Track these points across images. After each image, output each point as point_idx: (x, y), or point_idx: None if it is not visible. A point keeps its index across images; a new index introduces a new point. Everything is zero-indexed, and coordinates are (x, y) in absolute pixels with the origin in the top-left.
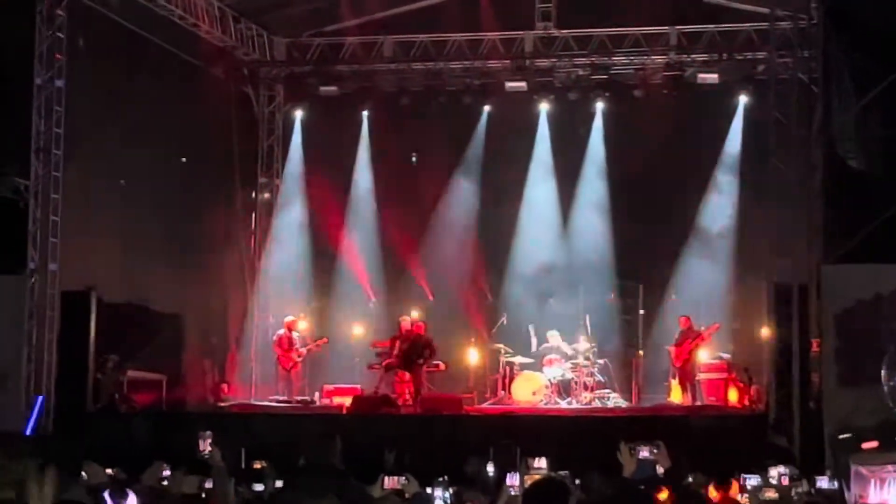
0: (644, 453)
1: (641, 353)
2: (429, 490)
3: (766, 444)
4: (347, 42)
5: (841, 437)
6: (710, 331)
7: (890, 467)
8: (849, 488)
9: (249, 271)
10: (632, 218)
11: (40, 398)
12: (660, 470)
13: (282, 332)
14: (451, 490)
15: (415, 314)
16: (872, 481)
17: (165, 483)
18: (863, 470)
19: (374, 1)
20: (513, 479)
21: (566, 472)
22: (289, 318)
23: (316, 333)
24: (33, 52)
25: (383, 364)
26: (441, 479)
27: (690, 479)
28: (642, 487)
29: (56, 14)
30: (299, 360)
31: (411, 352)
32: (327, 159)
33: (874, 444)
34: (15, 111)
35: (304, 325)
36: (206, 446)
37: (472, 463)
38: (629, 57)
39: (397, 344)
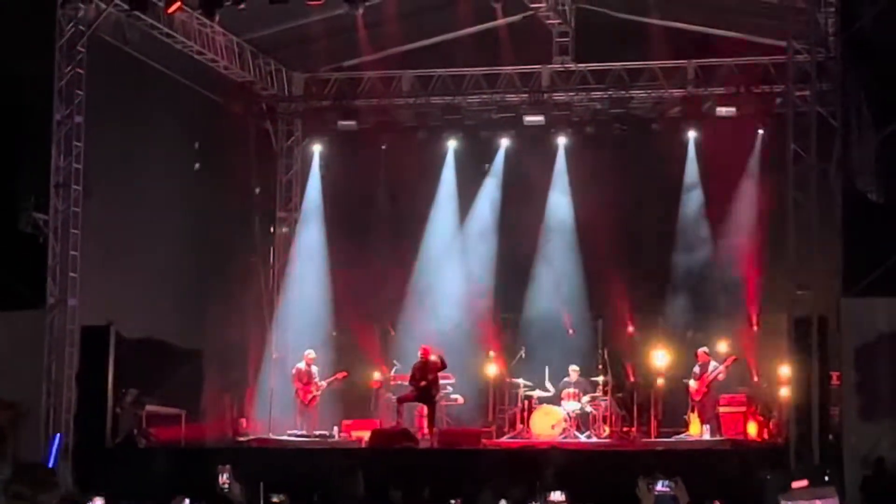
0: (661, 487)
1: (660, 386)
2: None
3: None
4: (365, 77)
5: (769, 476)
6: (727, 364)
7: (818, 502)
8: None
9: (268, 306)
10: (651, 250)
11: (58, 436)
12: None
13: (301, 365)
14: None
15: (423, 346)
16: None
17: None
18: None
19: (392, 36)
20: None
21: None
22: (308, 353)
23: (335, 367)
24: (53, 87)
25: (398, 398)
26: None
27: None
28: None
29: (76, 50)
30: (318, 393)
31: (425, 383)
32: (346, 193)
33: (804, 482)
34: (34, 146)
35: (315, 367)
36: (224, 480)
37: (485, 496)
38: (647, 91)
39: (416, 379)
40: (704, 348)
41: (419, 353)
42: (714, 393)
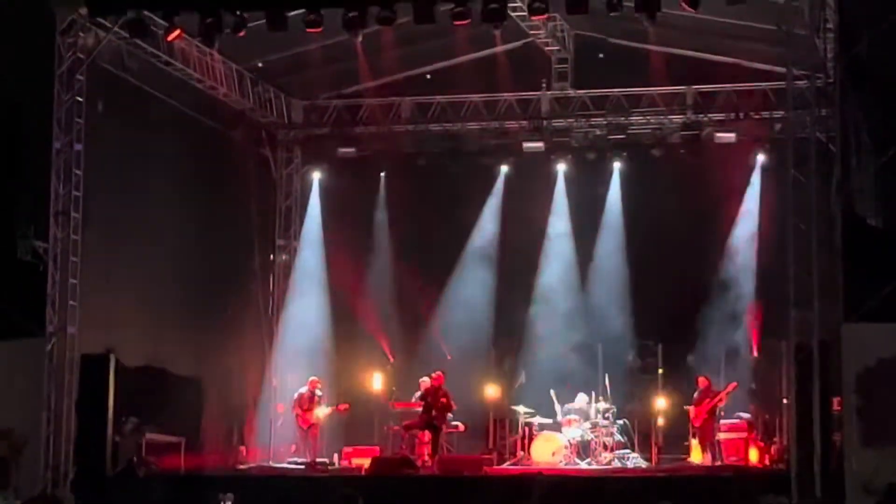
0: None
1: (661, 412)
2: None
3: None
4: (365, 104)
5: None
6: (728, 390)
7: None
8: None
9: (268, 333)
10: (650, 277)
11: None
12: None
13: (304, 390)
14: None
15: (437, 372)
16: None
17: None
18: None
19: (392, 63)
20: None
21: None
22: (313, 378)
23: (335, 394)
24: (52, 115)
25: (403, 425)
26: None
27: None
28: None
29: (75, 78)
30: (317, 421)
31: (430, 410)
32: (345, 221)
33: None
34: (34, 174)
35: (319, 392)
36: None
37: None
38: (646, 116)
39: (420, 405)
40: (705, 374)
41: (431, 380)
42: (715, 419)
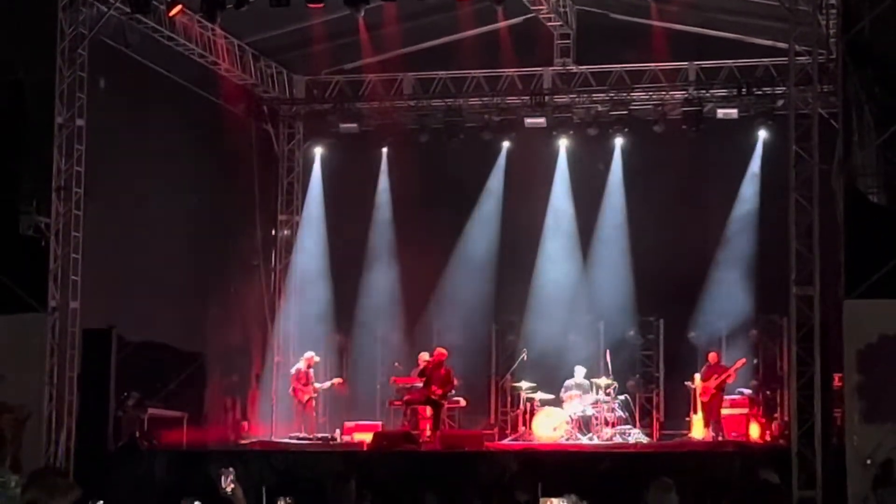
0: None
1: (662, 388)
2: None
3: (756, 480)
4: (367, 79)
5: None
6: (737, 366)
7: None
8: None
9: (270, 309)
10: (652, 253)
11: None
12: None
13: (301, 365)
14: None
15: (439, 349)
16: None
17: None
18: None
19: (394, 38)
20: None
21: None
22: (308, 354)
23: (336, 370)
24: (54, 91)
25: (404, 400)
26: None
27: None
28: None
29: (77, 53)
30: (315, 395)
31: (429, 386)
32: (347, 196)
33: None
34: (36, 150)
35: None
36: (227, 483)
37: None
38: (648, 92)
39: (420, 380)
40: (715, 350)
41: (434, 355)
42: (722, 395)
